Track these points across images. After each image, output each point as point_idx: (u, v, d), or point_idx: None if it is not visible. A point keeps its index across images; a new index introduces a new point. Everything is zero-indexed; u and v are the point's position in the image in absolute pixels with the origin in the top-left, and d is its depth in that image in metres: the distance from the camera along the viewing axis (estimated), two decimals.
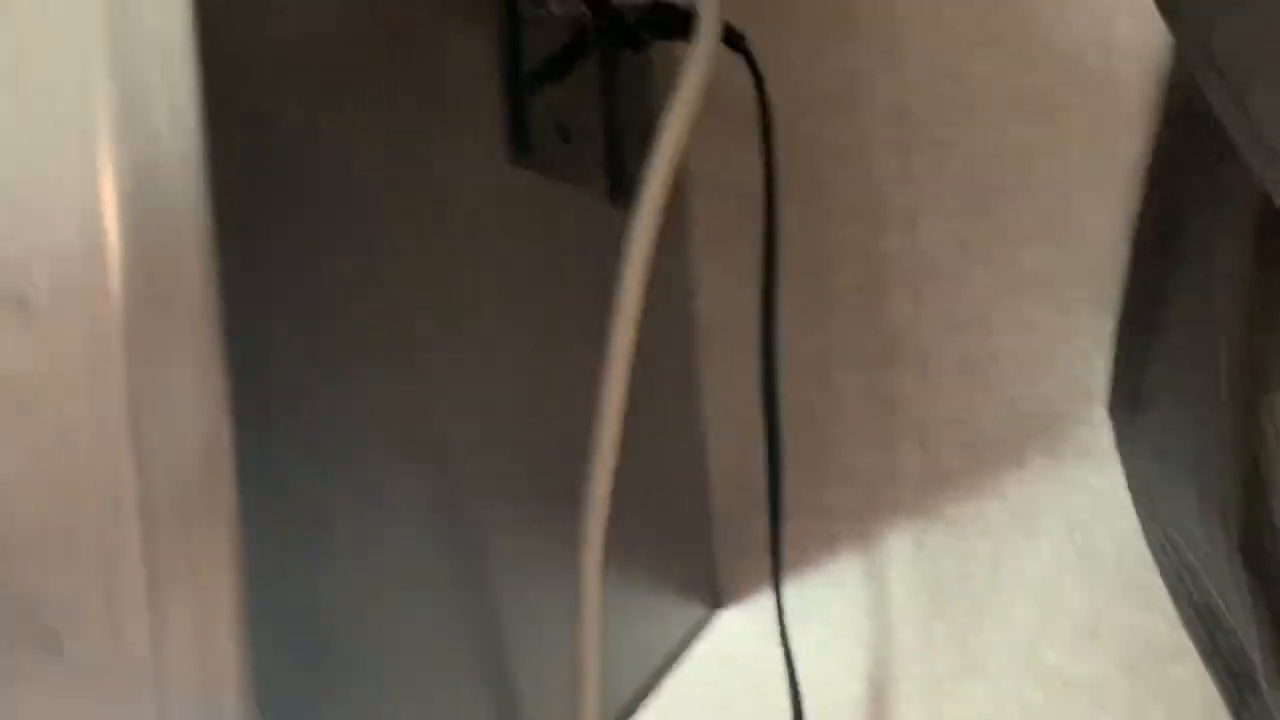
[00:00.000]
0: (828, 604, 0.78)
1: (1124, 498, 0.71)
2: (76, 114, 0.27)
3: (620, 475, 0.48)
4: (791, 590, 0.77)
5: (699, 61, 0.46)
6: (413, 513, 0.37)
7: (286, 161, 0.31)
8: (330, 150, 0.34)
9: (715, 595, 0.80)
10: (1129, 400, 0.67)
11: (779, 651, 0.74)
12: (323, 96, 0.33)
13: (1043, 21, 0.72)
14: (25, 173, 0.27)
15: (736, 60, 0.66)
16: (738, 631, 0.80)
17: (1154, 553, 0.70)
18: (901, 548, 0.76)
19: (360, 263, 0.35)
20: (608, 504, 0.49)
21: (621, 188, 0.62)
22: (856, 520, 0.76)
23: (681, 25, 0.59)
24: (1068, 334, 0.72)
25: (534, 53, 0.50)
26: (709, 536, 0.79)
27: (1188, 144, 0.67)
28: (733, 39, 0.63)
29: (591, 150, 0.57)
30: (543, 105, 0.50)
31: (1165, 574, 0.68)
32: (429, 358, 0.39)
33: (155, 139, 0.27)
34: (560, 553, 0.49)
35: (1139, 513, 0.69)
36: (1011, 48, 0.72)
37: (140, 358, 0.27)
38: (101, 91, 0.27)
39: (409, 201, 0.39)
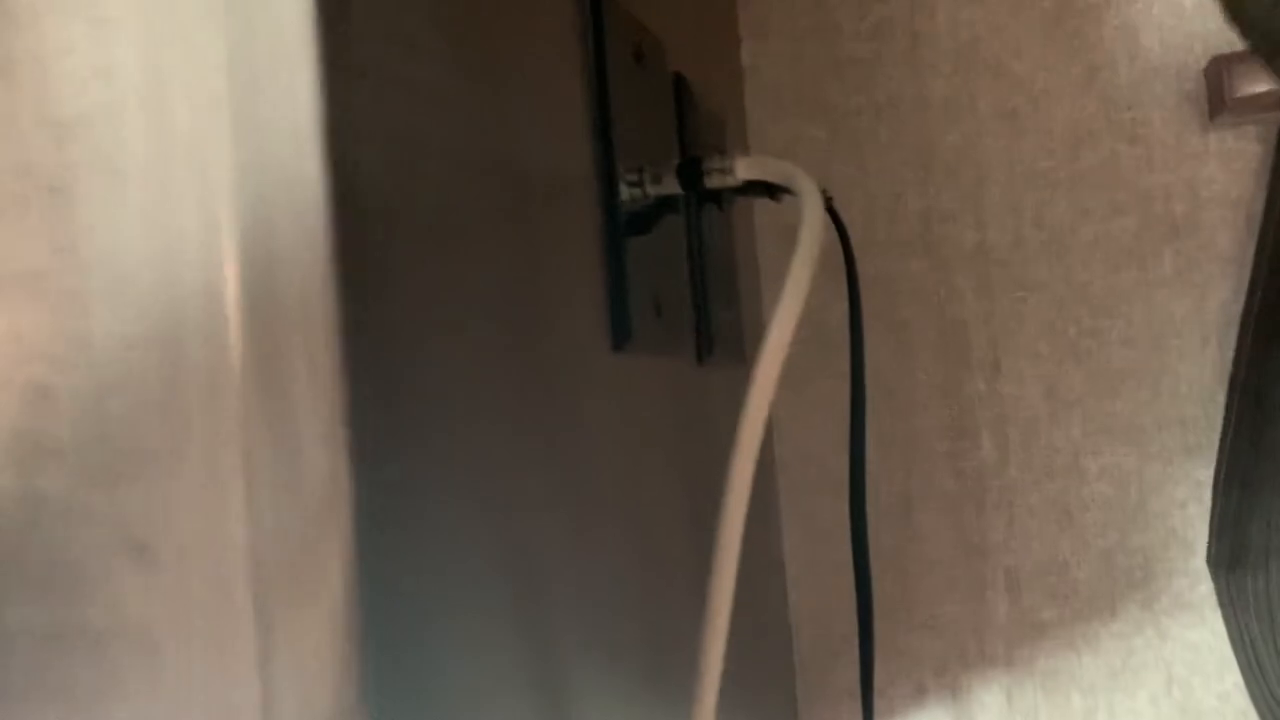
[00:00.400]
0: None
1: (1225, 652, 0.69)
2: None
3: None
4: None
5: (806, 250, 0.46)
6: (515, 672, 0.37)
7: (418, 368, 0.31)
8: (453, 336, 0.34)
9: None
10: (1231, 558, 0.65)
11: None
12: (446, 272, 0.34)
13: (1126, 166, 0.71)
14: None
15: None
16: None
17: (1259, 711, 0.67)
18: (992, 701, 0.73)
19: (475, 453, 0.35)
20: (720, 668, 0.48)
21: (708, 346, 0.62)
22: (944, 671, 0.74)
23: (773, 191, 0.60)
24: (1161, 482, 0.71)
25: (631, 236, 0.50)
26: (792, 682, 0.77)
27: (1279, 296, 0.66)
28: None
29: (681, 318, 0.57)
30: (639, 286, 0.50)
31: None
32: (535, 518, 0.39)
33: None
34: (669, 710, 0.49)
35: (1243, 671, 0.67)
36: (1096, 191, 0.72)
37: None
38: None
39: (521, 398, 0.39)
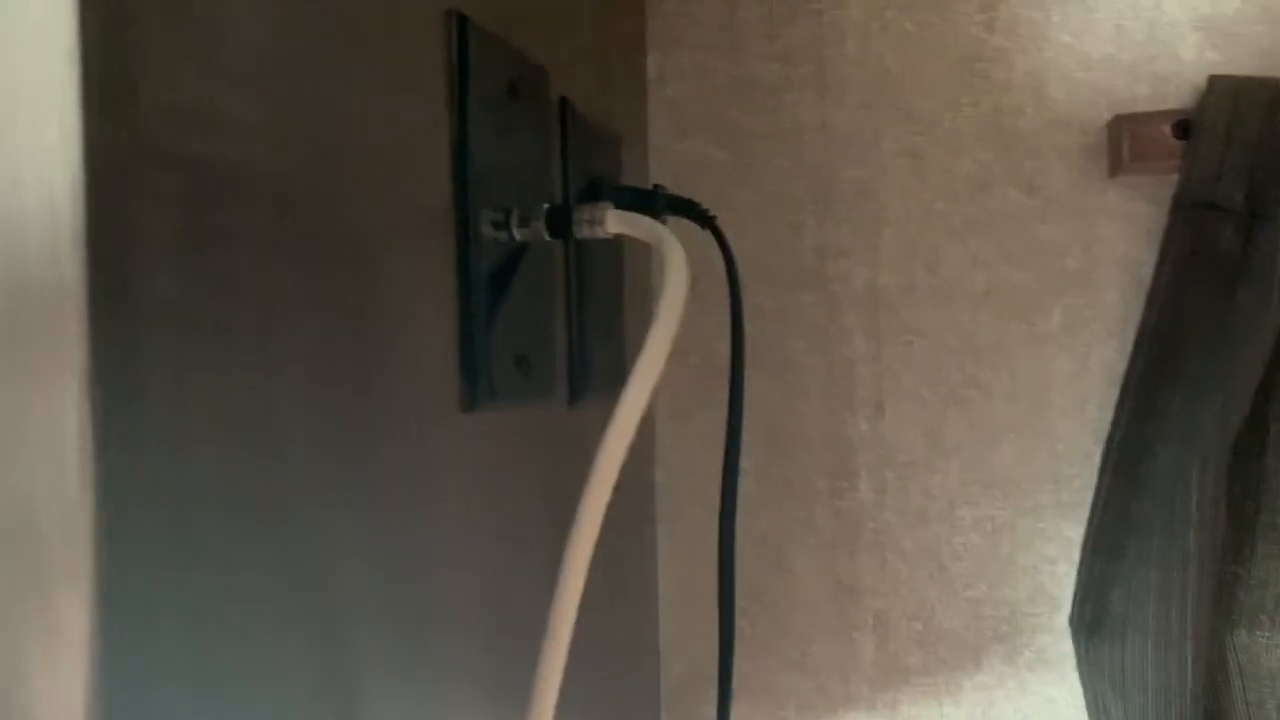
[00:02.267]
0: None
1: (1080, 712, 0.70)
2: None
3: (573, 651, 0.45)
4: None
5: (664, 322, 0.44)
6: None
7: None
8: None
9: None
10: (1091, 622, 0.65)
11: None
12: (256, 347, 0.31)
13: (1024, 215, 0.70)
14: None
15: (708, 235, 0.64)
16: None
17: None
18: None
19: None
20: (558, 686, 0.46)
21: (581, 389, 0.60)
22: (809, 709, 0.74)
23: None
24: (1032, 538, 0.71)
25: (493, 285, 0.47)
26: (657, 713, 0.77)
27: (1162, 366, 0.65)
28: (705, 220, 0.62)
29: (552, 367, 0.55)
30: (502, 340, 0.48)
31: None
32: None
33: None
34: None
35: None
36: (991, 240, 0.71)
37: None
38: None
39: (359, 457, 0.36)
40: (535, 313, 0.52)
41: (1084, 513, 0.69)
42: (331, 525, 0.35)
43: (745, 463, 0.75)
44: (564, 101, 0.58)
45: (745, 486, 0.75)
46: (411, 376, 0.41)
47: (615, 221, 0.48)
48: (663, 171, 0.76)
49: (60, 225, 0.24)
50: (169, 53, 0.27)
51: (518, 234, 0.49)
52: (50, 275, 0.25)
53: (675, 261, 0.45)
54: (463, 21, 0.44)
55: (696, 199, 0.60)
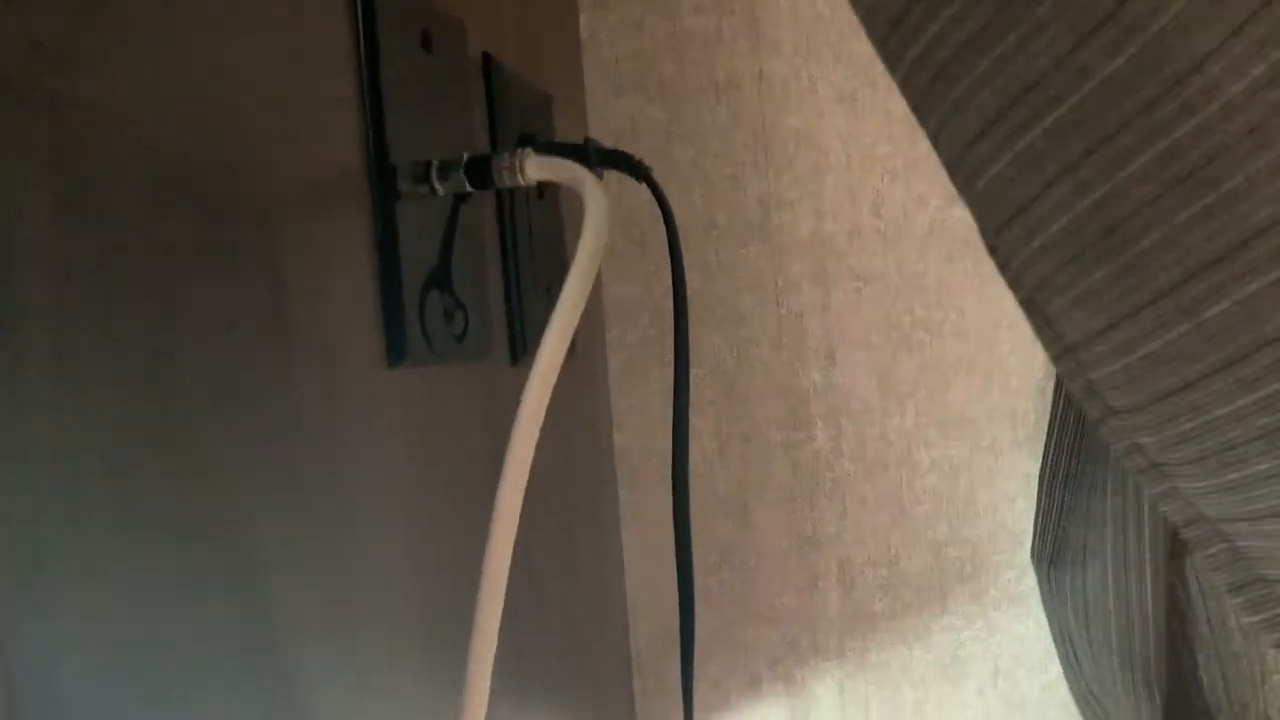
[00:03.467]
0: None
1: (1049, 644, 0.69)
2: None
3: (533, 613, 0.44)
4: None
5: (586, 253, 0.43)
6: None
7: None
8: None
9: None
10: (1052, 553, 0.65)
11: None
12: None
13: None
14: None
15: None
16: None
17: (1078, 703, 0.68)
18: (825, 693, 0.73)
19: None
20: (494, 639, 0.45)
21: (522, 346, 0.59)
22: (779, 662, 0.74)
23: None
24: (991, 475, 0.70)
25: (417, 239, 0.47)
26: (629, 677, 0.76)
27: None
28: (639, 170, 0.61)
29: (487, 321, 0.54)
30: (426, 294, 0.47)
31: None
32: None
33: None
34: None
35: (1062, 663, 0.67)
36: (933, 180, 0.70)
37: None
38: None
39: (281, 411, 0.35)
40: (465, 269, 0.52)
41: (1040, 448, 0.69)
42: (245, 481, 0.35)
43: (700, 421, 0.74)
44: (486, 56, 0.57)
45: (702, 444, 0.74)
46: (329, 332, 0.40)
47: (536, 168, 0.47)
48: (601, 132, 0.75)
49: None
50: None
51: (439, 186, 0.48)
52: None
53: (595, 201, 0.45)
54: None
55: (639, 155, 0.60)
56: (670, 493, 0.74)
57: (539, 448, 0.42)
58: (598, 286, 0.76)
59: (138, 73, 0.31)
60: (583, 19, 0.76)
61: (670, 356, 0.75)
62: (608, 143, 0.75)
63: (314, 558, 0.38)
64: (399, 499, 0.45)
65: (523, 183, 0.48)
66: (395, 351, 0.44)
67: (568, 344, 0.44)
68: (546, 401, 0.43)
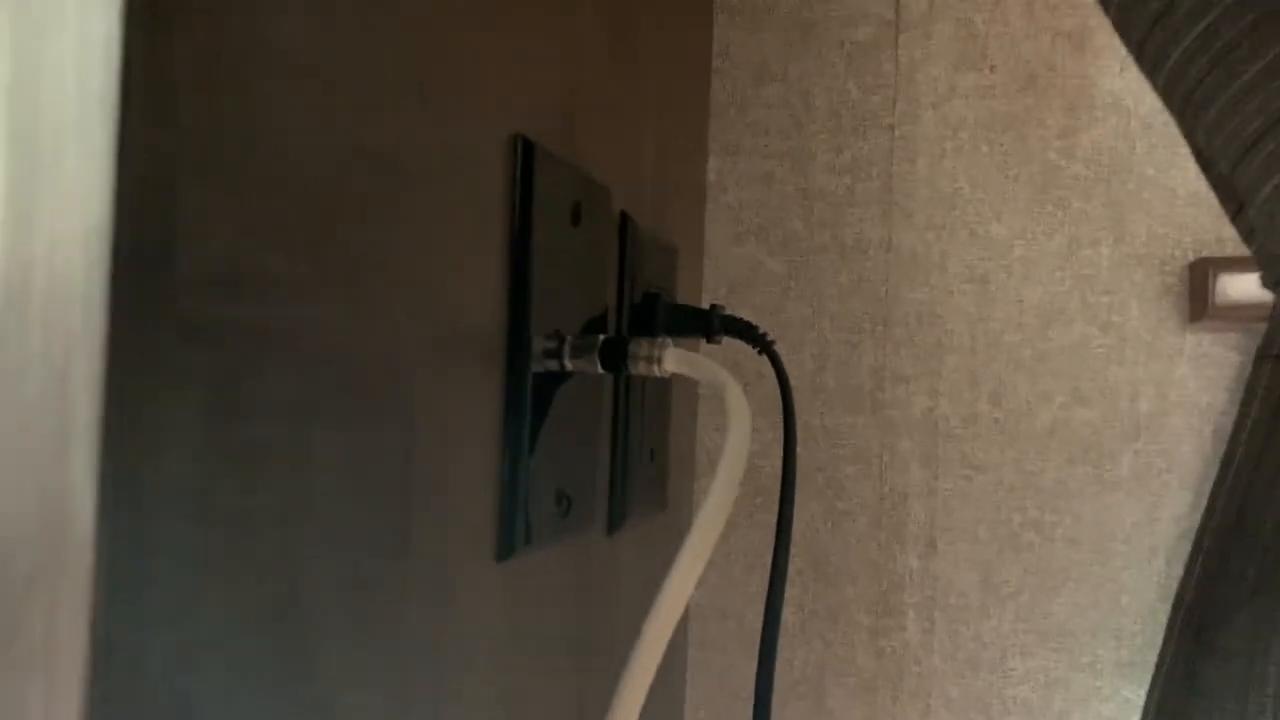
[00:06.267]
0: None
1: None
2: None
3: None
4: None
5: (730, 472, 0.40)
6: None
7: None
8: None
9: None
10: None
11: None
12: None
13: (1096, 353, 0.67)
14: None
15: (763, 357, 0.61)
16: None
17: None
18: None
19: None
20: None
21: (620, 518, 0.57)
22: None
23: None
24: (1088, 695, 0.66)
25: (543, 416, 0.44)
26: None
27: (1239, 524, 0.61)
28: (762, 343, 0.59)
29: (593, 502, 0.51)
30: (544, 479, 0.44)
31: None
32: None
33: None
34: None
35: None
36: (1060, 376, 0.67)
37: None
38: None
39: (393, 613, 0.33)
40: (580, 445, 0.49)
41: (1145, 674, 0.64)
42: (359, 704, 0.32)
43: (785, 591, 0.71)
44: (624, 216, 0.55)
45: (783, 616, 0.71)
46: (446, 526, 0.38)
47: (673, 361, 0.45)
48: (718, 279, 0.73)
49: (72, 421, 0.22)
50: (210, 216, 0.25)
51: (569, 364, 0.46)
52: (56, 477, 0.22)
53: (738, 414, 0.42)
54: (528, 148, 0.42)
55: (750, 309, 0.57)
56: (742, 661, 0.70)
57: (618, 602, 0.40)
58: (690, 435, 0.73)
59: (309, 283, 0.29)
60: (711, 163, 0.75)
61: (758, 515, 0.72)
62: (723, 294, 0.73)
63: None
64: (492, 682, 0.42)
65: (658, 374, 0.46)
66: (507, 544, 0.42)
67: (700, 570, 0.41)
68: (673, 627, 0.40)
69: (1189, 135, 0.44)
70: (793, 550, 0.71)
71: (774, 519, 0.61)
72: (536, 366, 0.44)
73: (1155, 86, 0.43)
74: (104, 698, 0.22)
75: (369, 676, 0.33)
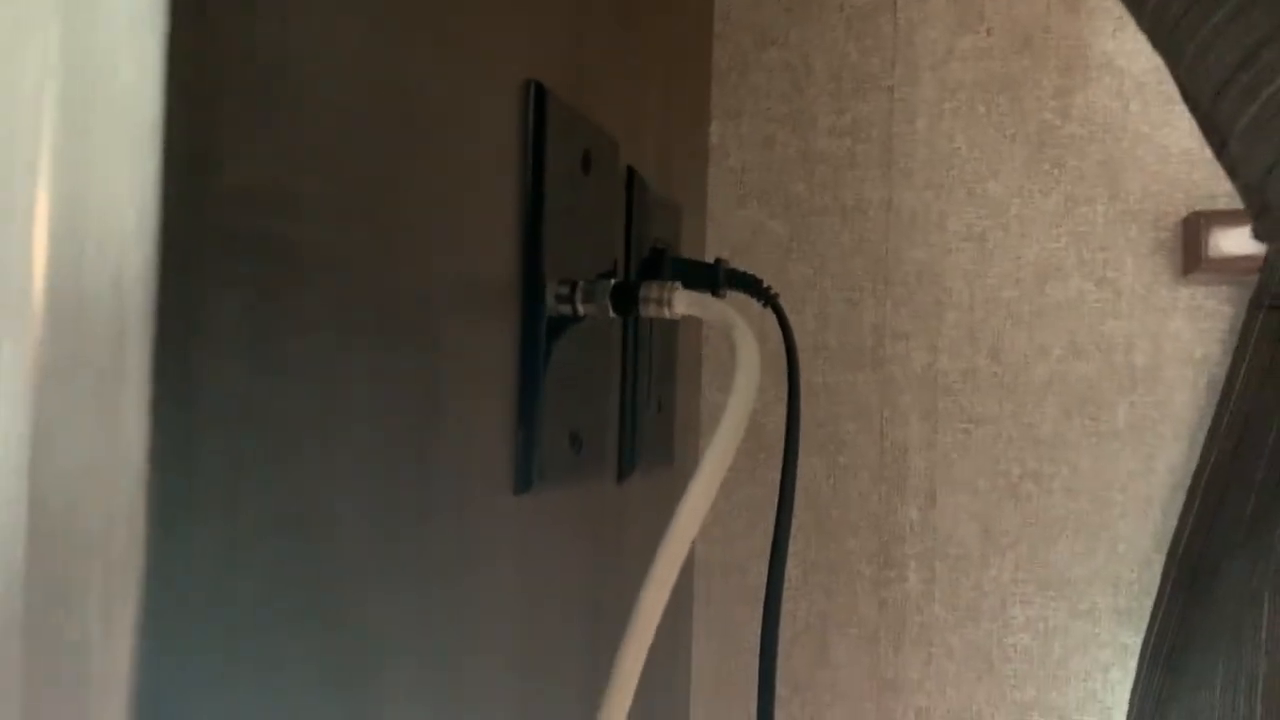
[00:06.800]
0: None
1: None
2: None
3: None
4: None
5: (739, 406, 0.42)
6: None
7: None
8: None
9: None
10: None
11: None
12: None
13: (1091, 307, 0.68)
14: None
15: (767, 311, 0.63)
16: None
17: None
18: None
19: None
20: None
21: (629, 466, 0.58)
22: None
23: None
24: (1086, 641, 0.68)
25: (557, 361, 0.46)
26: None
27: (1232, 474, 0.63)
28: (767, 296, 0.60)
29: (603, 445, 0.53)
30: (556, 420, 0.46)
31: None
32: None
33: None
34: None
35: None
36: (1057, 330, 0.69)
37: None
38: None
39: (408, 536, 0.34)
40: (592, 388, 0.51)
41: (1142, 620, 0.66)
42: (382, 615, 0.34)
43: (789, 545, 0.72)
44: (631, 171, 0.57)
45: (787, 570, 0.72)
46: (467, 457, 0.40)
47: (684, 303, 0.47)
48: (721, 241, 0.75)
49: (127, 310, 0.23)
50: (249, 132, 0.26)
51: (582, 309, 0.47)
52: (111, 359, 0.23)
53: (748, 352, 0.44)
54: (541, 93, 0.43)
55: (753, 270, 0.59)
56: (747, 614, 0.72)
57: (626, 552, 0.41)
58: (696, 394, 0.75)
59: (337, 208, 0.30)
60: (713, 126, 0.76)
61: (760, 472, 0.74)
62: (726, 255, 0.74)
63: (438, 686, 0.37)
64: (509, 622, 0.44)
65: (668, 316, 0.47)
66: (524, 478, 0.43)
67: (707, 505, 0.42)
68: (681, 561, 0.41)
69: (1174, 74, 0.46)
70: (796, 503, 0.72)
71: (777, 475, 0.63)
72: (550, 311, 0.45)
73: (1141, 27, 0.45)
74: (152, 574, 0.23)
75: (394, 588, 0.34)
